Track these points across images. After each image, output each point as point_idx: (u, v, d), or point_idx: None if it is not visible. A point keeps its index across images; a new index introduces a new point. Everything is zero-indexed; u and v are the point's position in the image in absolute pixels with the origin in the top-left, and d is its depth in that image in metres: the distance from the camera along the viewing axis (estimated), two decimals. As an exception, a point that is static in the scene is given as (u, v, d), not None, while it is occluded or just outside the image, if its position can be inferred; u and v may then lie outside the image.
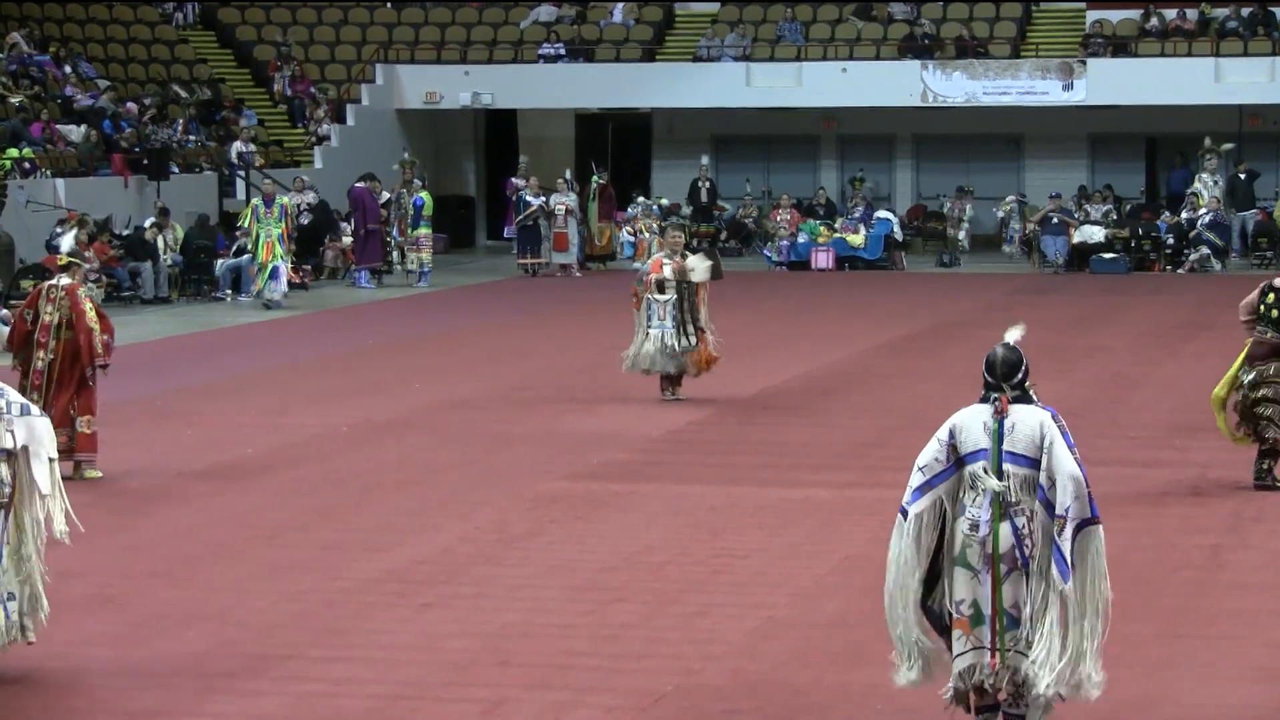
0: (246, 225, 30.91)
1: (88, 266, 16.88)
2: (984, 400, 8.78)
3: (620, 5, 43.57)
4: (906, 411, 18.99)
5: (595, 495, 15.05)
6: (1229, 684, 10.04)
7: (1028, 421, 8.65)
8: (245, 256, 31.51)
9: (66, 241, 17.18)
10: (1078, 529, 8.50)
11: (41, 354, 15.79)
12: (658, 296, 19.52)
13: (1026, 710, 8.70)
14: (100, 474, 15.90)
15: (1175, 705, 9.67)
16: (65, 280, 15.99)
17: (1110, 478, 14.70)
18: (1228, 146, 38.07)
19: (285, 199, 31.37)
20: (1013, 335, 8.88)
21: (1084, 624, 8.59)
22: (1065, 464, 8.53)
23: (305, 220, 35.48)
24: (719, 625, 11.20)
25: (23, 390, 15.77)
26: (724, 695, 9.83)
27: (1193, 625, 11.18)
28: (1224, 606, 11.64)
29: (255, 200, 30.98)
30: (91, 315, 15.84)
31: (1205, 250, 35.79)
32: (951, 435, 8.77)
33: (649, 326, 19.52)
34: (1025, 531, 8.59)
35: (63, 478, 15.59)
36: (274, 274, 30.21)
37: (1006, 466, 8.63)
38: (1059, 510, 8.50)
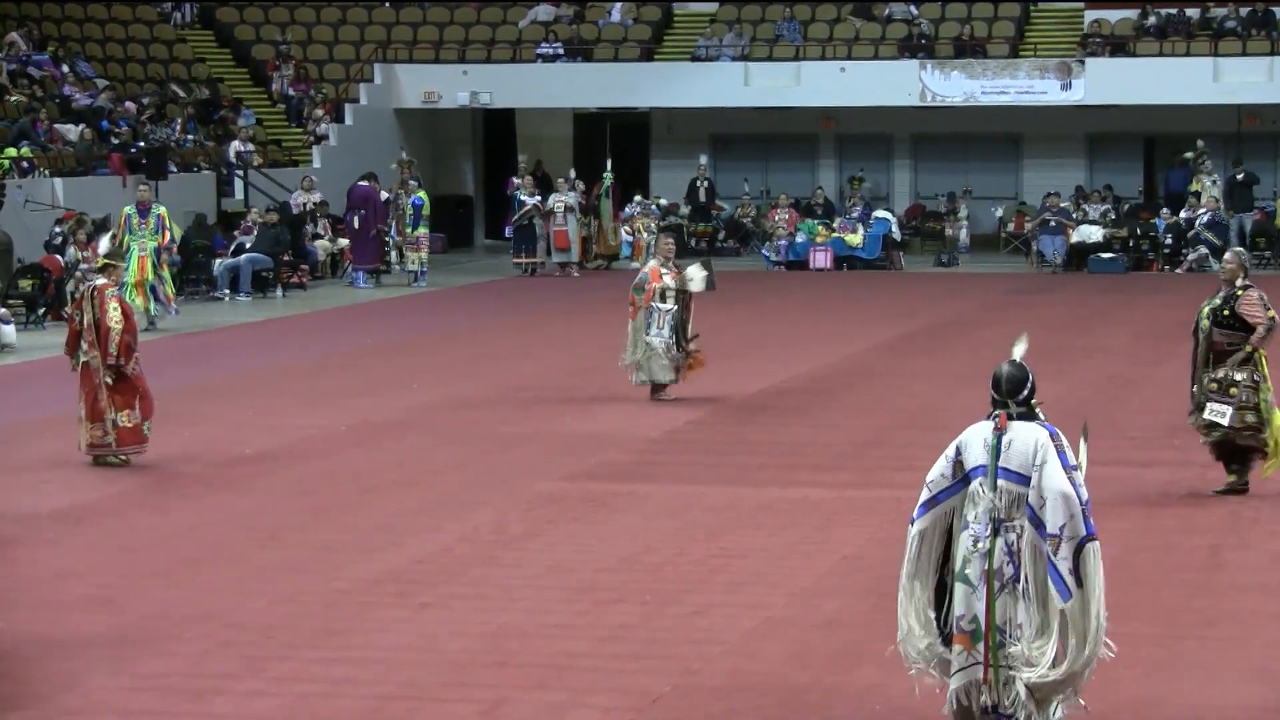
0: (118, 237, 26.97)
1: (124, 266, 17.39)
2: (990, 417, 8.78)
3: (618, 5, 43.56)
4: (905, 411, 19.00)
5: (593, 496, 15.04)
6: (1228, 685, 10.03)
7: (1024, 439, 8.65)
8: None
9: (104, 243, 17.63)
10: (1078, 548, 8.49)
11: (95, 354, 16.37)
12: (660, 305, 19.54)
13: None
14: (129, 460, 16.44)
15: (1174, 706, 9.66)
16: (99, 281, 16.62)
17: (1109, 478, 14.69)
18: (1190, 154, 38.08)
19: (163, 209, 28.07)
20: (1019, 351, 8.88)
21: (1084, 649, 8.54)
22: (1056, 482, 8.51)
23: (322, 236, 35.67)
24: (717, 625, 11.19)
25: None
26: (722, 695, 9.82)
27: (1192, 626, 11.17)
28: (1223, 607, 11.64)
29: (128, 209, 27.80)
30: (114, 315, 16.31)
31: (1203, 250, 35.77)
32: (958, 452, 8.79)
33: (649, 335, 19.53)
34: (1015, 549, 8.60)
35: (104, 463, 16.17)
36: (153, 295, 27.20)
37: (1001, 483, 8.64)
38: (1052, 529, 8.48)
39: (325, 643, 10.88)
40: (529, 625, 11.15)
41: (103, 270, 16.93)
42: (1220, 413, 14.52)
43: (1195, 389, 14.78)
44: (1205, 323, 14.61)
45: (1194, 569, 12.68)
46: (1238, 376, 14.52)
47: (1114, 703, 9.29)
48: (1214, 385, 14.56)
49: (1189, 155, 38.16)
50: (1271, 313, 14.60)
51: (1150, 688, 9.87)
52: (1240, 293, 14.60)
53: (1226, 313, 14.55)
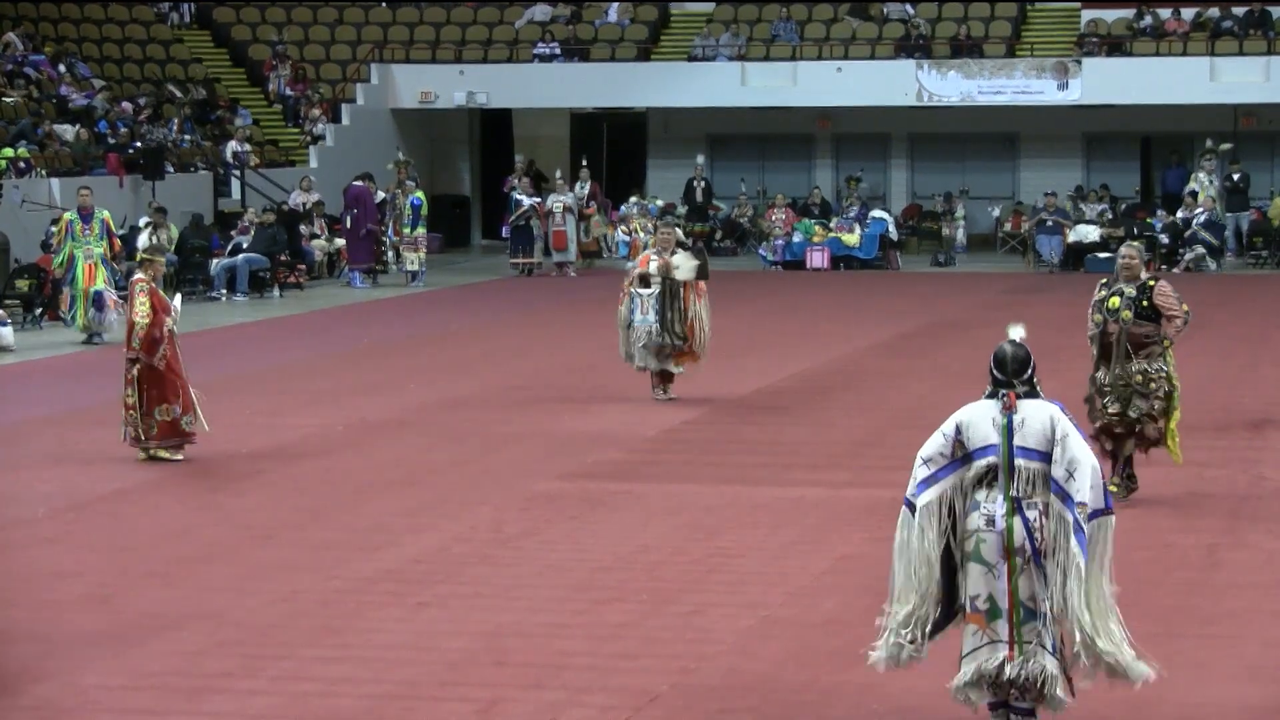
0: (57, 243, 26.15)
1: (163, 259, 17.49)
2: (991, 396, 8.79)
3: (615, 5, 43.57)
4: (902, 411, 19.00)
5: (590, 495, 15.04)
6: (1226, 683, 10.04)
7: (1038, 416, 8.68)
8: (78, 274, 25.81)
9: (142, 239, 17.74)
10: (1091, 517, 8.55)
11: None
12: (640, 291, 19.54)
13: (1035, 704, 8.73)
14: (180, 457, 16.56)
15: (1171, 704, 9.66)
16: (137, 275, 16.73)
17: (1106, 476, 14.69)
18: (1226, 146, 38.10)
19: (106, 213, 26.29)
20: (1016, 333, 8.90)
21: (1090, 614, 8.60)
22: (1083, 454, 8.58)
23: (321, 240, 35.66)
24: (714, 625, 11.19)
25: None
26: (719, 695, 9.82)
27: (1189, 625, 11.17)
28: (1221, 606, 11.64)
29: (69, 214, 26.15)
30: (141, 309, 16.41)
31: (1200, 250, 35.79)
32: (958, 431, 8.79)
33: (633, 321, 19.52)
34: (1036, 525, 8.64)
35: (159, 459, 16.36)
36: (98, 302, 25.35)
37: (1018, 461, 8.66)
38: (1080, 498, 8.53)
39: (322, 641, 10.88)
40: (526, 624, 11.15)
41: (140, 265, 17.02)
42: (1139, 408, 14.54)
43: (1109, 379, 14.70)
44: (1126, 314, 14.57)
45: (1191, 568, 12.68)
46: (1152, 368, 14.57)
47: (1111, 701, 9.29)
48: (1139, 378, 14.56)
49: (1223, 146, 38.09)
50: (1185, 306, 14.68)
51: (1148, 686, 9.85)
52: (1153, 284, 14.65)
53: (1145, 304, 14.56)
